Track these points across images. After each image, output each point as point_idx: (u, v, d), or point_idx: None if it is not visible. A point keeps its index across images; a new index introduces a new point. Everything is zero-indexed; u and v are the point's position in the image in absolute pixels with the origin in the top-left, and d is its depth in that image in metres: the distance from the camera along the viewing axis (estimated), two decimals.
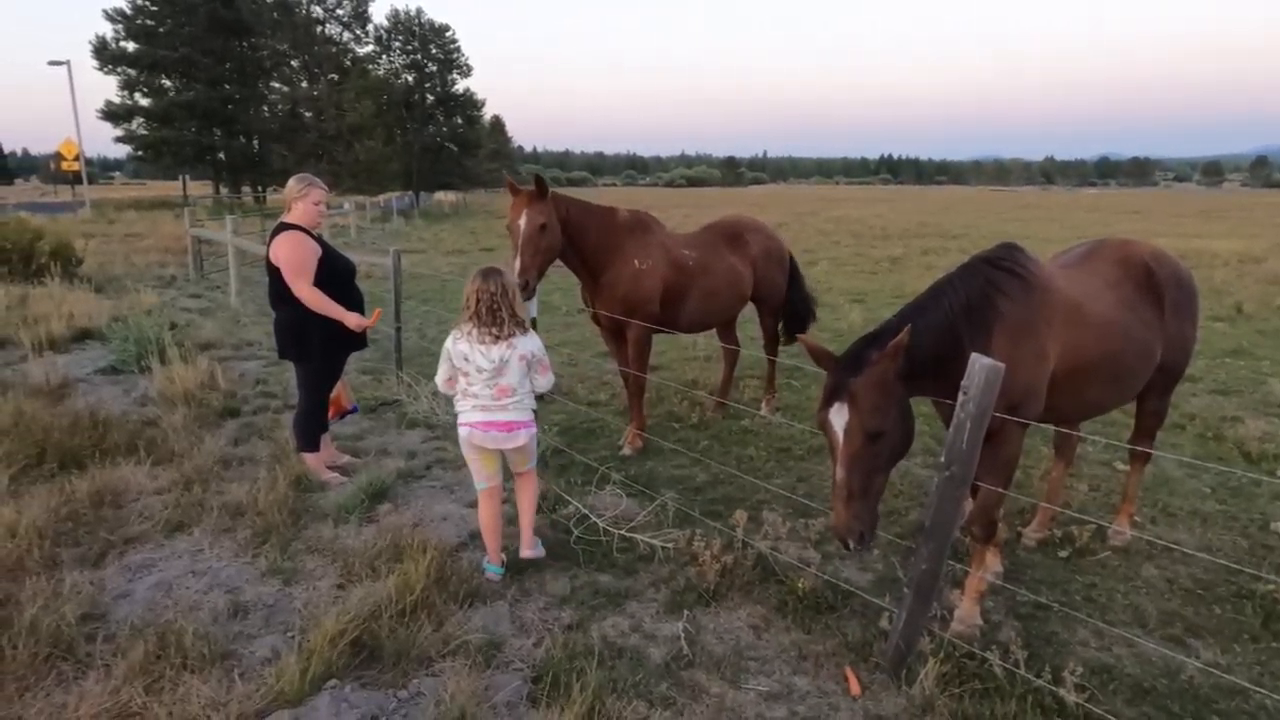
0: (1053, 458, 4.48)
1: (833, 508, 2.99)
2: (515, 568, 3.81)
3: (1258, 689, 2.96)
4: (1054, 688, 2.85)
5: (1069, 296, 3.41)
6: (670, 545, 3.97)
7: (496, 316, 3.53)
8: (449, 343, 3.63)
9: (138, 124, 43.13)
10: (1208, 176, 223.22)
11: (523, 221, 4.81)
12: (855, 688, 2.99)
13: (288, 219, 4.61)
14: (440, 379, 3.73)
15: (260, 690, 2.79)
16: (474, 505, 4.28)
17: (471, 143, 55.33)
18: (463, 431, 3.70)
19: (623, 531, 4.12)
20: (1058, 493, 4.43)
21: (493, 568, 3.78)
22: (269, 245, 4.56)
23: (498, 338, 3.55)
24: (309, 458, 4.83)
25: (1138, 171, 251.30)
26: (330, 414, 5.02)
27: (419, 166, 50.57)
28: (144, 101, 42.85)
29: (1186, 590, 3.80)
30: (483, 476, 3.77)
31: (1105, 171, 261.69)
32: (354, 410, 5.43)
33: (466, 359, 3.58)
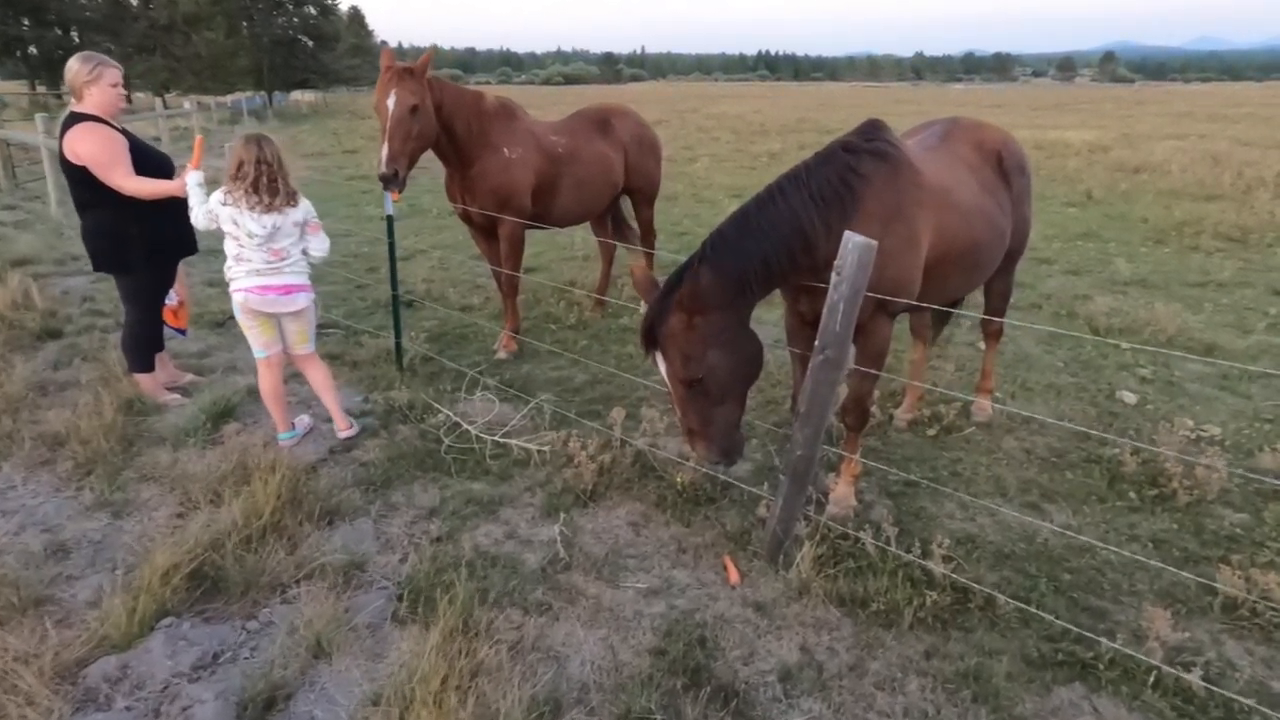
0: (911, 341, 4.55)
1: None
2: (380, 482, 3.58)
3: (1103, 545, 3.13)
4: (923, 561, 2.91)
5: (939, 181, 3.26)
6: (546, 448, 3.82)
7: (273, 188, 3.49)
8: (215, 201, 3.53)
9: None
10: (1062, 72, 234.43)
11: (391, 102, 4.27)
12: (734, 576, 2.97)
13: (79, 108, 3.94)
14: (200, 221, 3.64)
15: (81, 637, 2.48)
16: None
17: (328, 36, 51.06)
18: (238, 298, 3.63)
19: (496, 437, 3.92)
20: (920, 373, 4.52)
21: (284, 435, 3.89)
22: (60, 141, 3.90)
23: (270, 207, 3.50)
24: (143, 379, 4.33)
25: (1000, 67, 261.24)
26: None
27: (270, 62, 46.28)
28: None
29: (1042, 459, 3.98)
30: (260, 344, 3.77)
31: (970, 67, 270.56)
32: (182, 334, 4.81)
33: (236, 223, 3.50)
